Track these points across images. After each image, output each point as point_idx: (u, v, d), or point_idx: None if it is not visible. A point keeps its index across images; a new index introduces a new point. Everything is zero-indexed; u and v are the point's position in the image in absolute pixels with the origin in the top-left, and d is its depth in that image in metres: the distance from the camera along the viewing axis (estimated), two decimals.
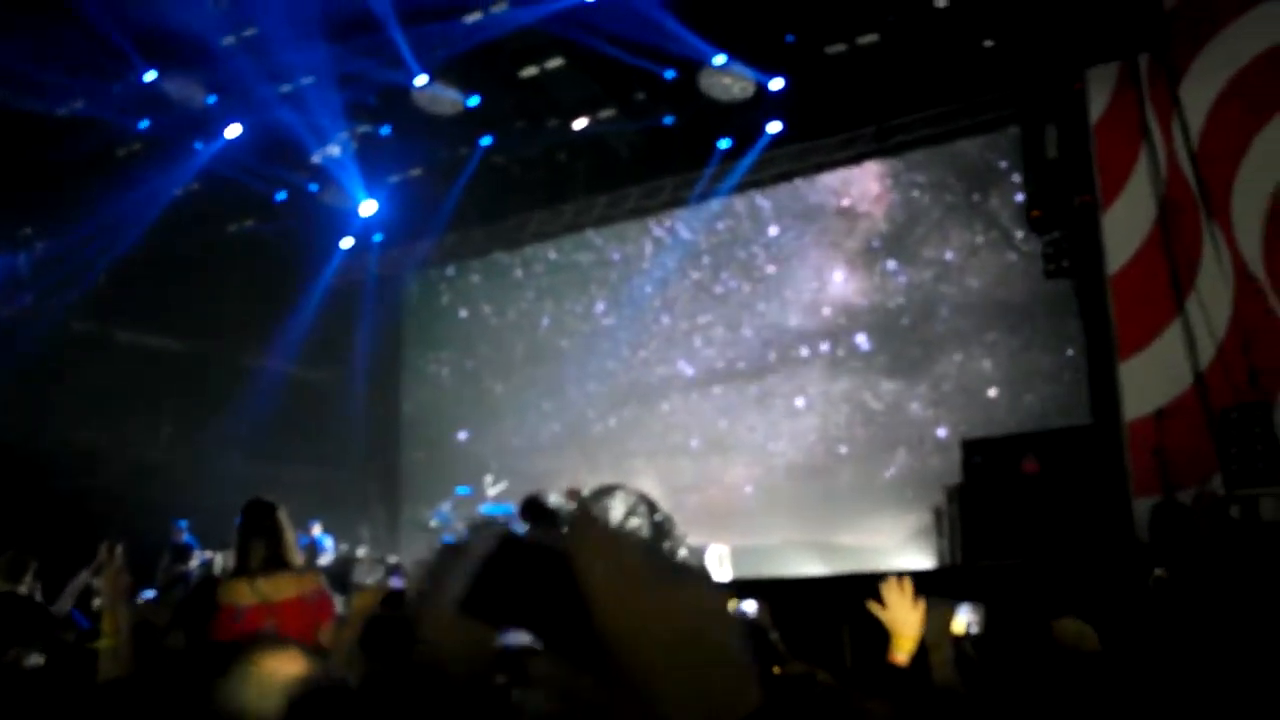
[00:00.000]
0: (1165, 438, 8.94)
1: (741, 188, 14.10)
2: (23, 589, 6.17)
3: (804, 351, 14.27)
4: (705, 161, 13.59)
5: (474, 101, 12.40)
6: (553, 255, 16.20)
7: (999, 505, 9.11)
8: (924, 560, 11.64)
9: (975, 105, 12.45)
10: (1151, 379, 9.37)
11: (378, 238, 15.37)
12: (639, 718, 1.33)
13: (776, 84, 11.77)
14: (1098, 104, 10.22)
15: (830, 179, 14.26)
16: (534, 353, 16.14)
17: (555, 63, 12.27)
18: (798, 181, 14.40)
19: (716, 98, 11.93)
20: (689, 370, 15.05)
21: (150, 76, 11.62)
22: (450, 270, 16.97)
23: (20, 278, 13.59)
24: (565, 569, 1.44)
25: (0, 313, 13.38)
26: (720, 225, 15.05)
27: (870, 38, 11.62)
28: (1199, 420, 8.88)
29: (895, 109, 12.71)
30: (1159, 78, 9.81)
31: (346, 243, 15.07)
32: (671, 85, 12.03)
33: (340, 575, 11.26)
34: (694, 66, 11.59)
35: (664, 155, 13.56)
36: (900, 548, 12.55)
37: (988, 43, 11.38)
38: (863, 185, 14.11)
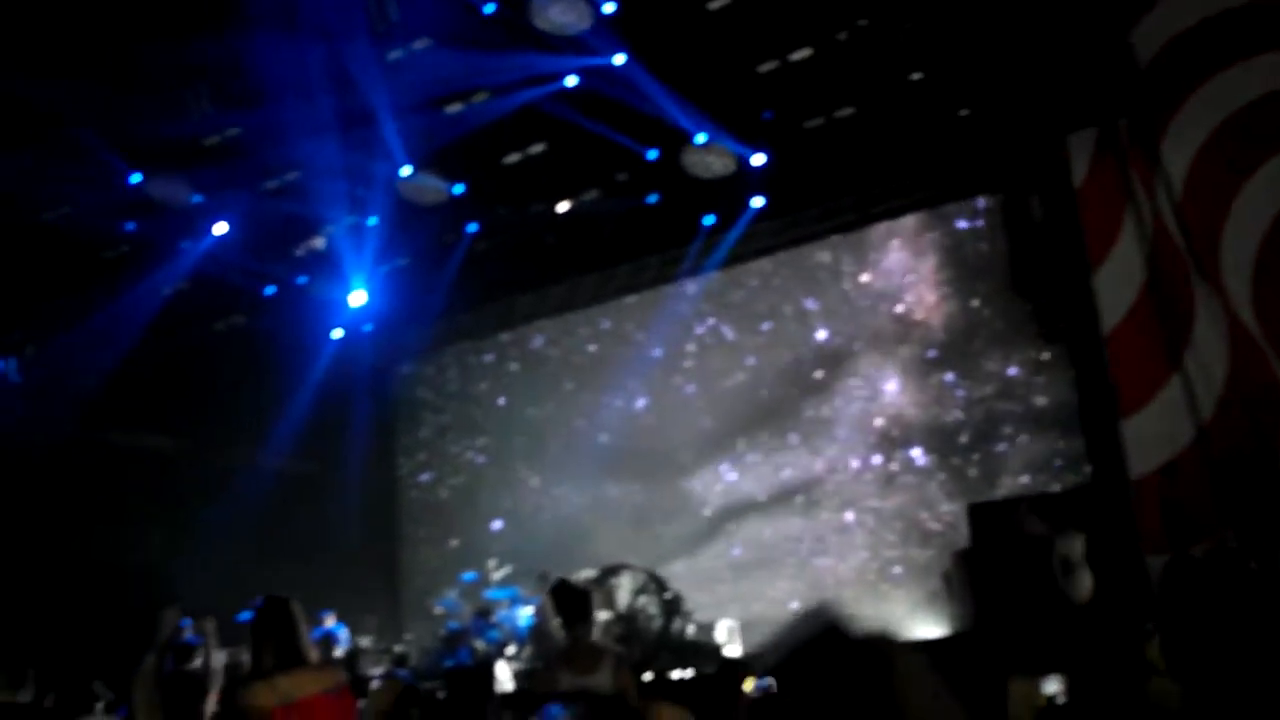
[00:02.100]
0: (1173, 494, 8.90)
1: (730, 261, 14.08)
2: (23, 697, 6.14)
3: (854, 463, 13.80)
4: (690, 238, 13.59)
5: (459, 189, 12.50)
6: (592, 348, 16.01)
7: (1007, 568, 9.02)
8: (936, 628, 11.52)
9: (955, 173, 12.58)
10: (1154, 436, 9.31)
11: (368, 328, 15.35)
12: None
13: (758, 159, 11.87)
14: (1079, 168, 10.28)
15: (883, 284, 13.88)
16: (572, 446, 15.80)
17: (538, 148, 12.40)
18: (846, 284, 14.09)
19: (699, 175, 12.02)
20: (732, 475, 14.64)
21: (135, 179, 11.64)
22: (489, 357, 16.85)
23: (11, 385, 13.49)
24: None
25: None
26: (765, 327, 14.74)
27: (847, 110, 11.78)
28: (1204, 475, 8.85)
29: (875, 180, 12.76)
30: (1139, 138, 9.89)
31: (337, 334, 15.05)
32: (654, 165, 12.13)
33: (348, 667, 11.11)
34: (676, 145, 11.70)
35: (648, 233, 13.55)
36: (909, 615, 12.39)
37: (963, 112, 11.52)
38: (918, 291, 13.72)
